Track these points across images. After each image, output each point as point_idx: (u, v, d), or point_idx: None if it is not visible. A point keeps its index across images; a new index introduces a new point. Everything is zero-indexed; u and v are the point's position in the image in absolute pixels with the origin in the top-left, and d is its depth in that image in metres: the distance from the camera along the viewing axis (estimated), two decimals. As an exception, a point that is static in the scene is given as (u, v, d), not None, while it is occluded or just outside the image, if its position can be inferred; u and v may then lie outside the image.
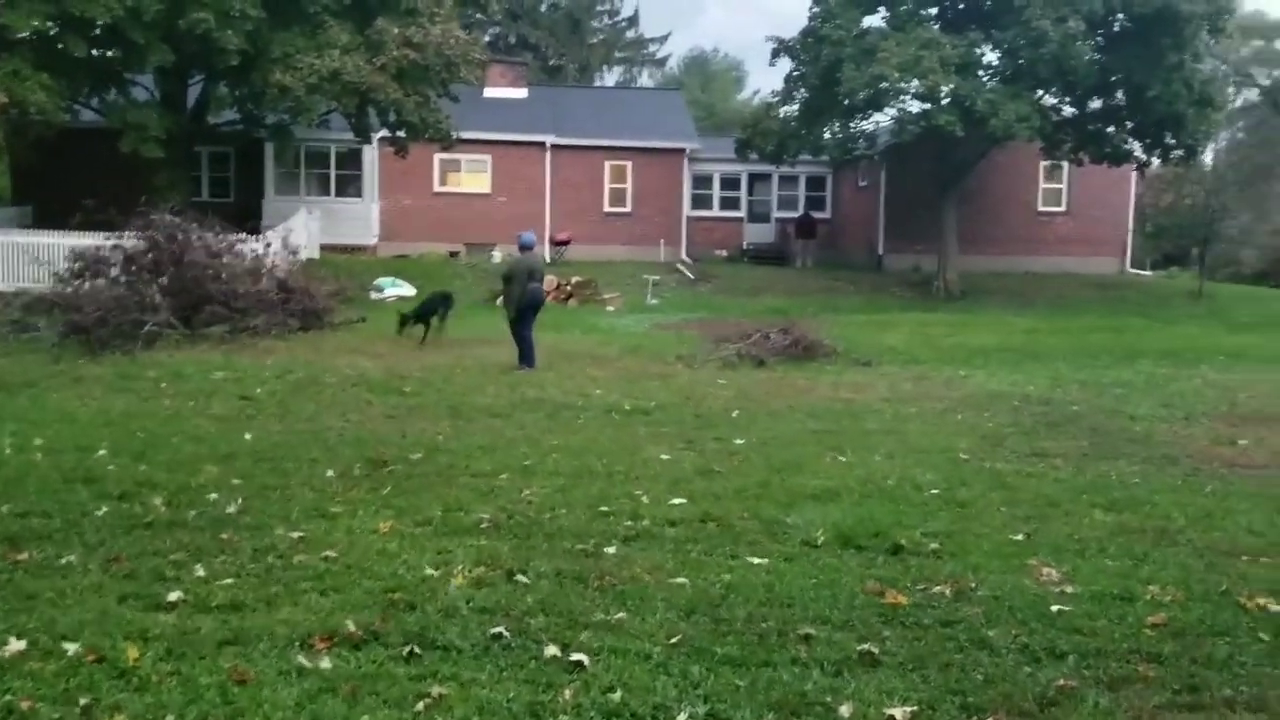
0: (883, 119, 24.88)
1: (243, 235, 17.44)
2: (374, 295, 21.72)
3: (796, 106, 24.63)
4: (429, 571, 4.84)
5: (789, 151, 24.89)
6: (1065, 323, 20.25)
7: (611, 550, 5.31)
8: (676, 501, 6.35)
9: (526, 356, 13.12)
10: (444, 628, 4.18)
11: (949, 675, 3.94)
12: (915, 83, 20.56)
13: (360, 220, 27.99)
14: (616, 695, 3.64)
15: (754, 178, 31.73)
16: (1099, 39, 21.03)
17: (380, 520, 5.70)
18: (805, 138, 24.34)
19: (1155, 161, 24.69)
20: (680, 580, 4.85)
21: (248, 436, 8.04)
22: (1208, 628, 4.50)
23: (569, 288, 22.47)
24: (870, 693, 3.75)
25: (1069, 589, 4.94)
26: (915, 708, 3.64)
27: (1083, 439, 9.50)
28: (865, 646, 4.13)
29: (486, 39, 41.00)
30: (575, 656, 3.93)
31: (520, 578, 4.81)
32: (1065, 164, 27.06)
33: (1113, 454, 8.81)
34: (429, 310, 15.69)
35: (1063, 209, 29.40)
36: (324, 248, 25.61)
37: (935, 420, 10.36)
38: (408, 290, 22.11)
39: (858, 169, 29.47)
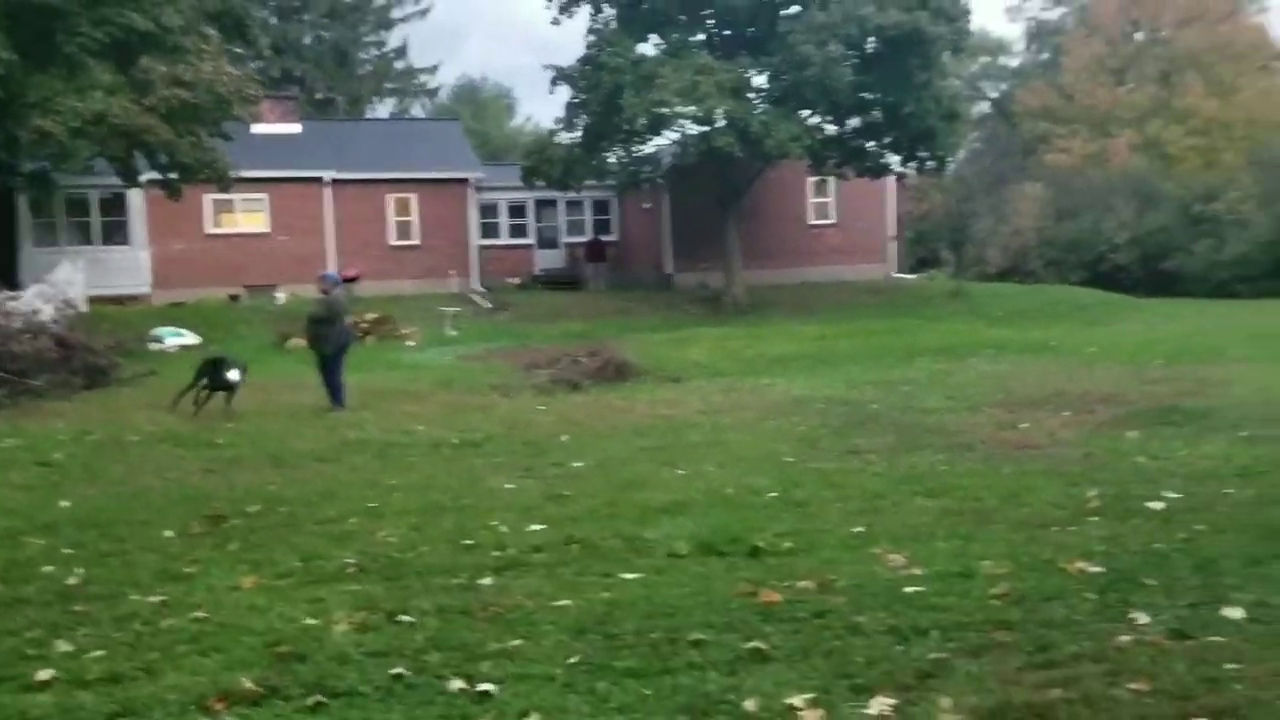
0: (663, 142, 25.73)
1: (10, 292, 16.21)
2: (154, 346, 20.60)
3: (579, 133, 25.12)
4: (308, 621, 4.76)
5: (575, 177, 25.37)
6: (847, 327, 21.52)
7: (487, 581, 5.36)
8: (535, 528, 6.45)
9: (338, 397, 12.84)
10: (341, 674, 4.13)
11: (833, 661, 4.23)
12: (693, 107, 21.42)
13: (130, 268, 26.51)
14: (533, 719, 3.73)
15: (540, 204, 32.07)
16: (856, 61, 22.50)
17: (239, 576, 5.53)
18: (590, 163, 24.87)
19: (912, 172, 26.53)
20: (563, 602, 4.96)
21: (65, 504, 7.55)
22: (1042, 593, 5.00)
23: (365, 325, 22.03)
24: (768, 686, 3.98)
25: (916, 571, 5.37)
26: (811, 694, 3.89)
27: (888, 434, 10.21)
28: (753, 644, 4.37)
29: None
30: (481, 687, 3.98)
31: (404, 618, 4.80)
32: (831, 178, 28.72)
33: (917, 446, 9.52)
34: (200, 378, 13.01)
35: (832, 221, 31.21)
36: (93, 299, 24.06)
37: (752, 428, 10.88)
38: (191, 339, 21.11)
39: (641, 192, 30.28)
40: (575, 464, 8.83)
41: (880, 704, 3.81)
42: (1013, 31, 77.86)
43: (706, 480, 7.98)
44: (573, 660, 4.25)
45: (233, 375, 12.60)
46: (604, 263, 30.62)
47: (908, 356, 16.72)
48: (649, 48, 24.16)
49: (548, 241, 32.51)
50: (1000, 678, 4.05)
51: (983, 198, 28.69)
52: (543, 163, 25.33)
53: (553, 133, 26.09)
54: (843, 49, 21.45)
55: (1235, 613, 4.69)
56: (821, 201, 30.88)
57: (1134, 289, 37.28)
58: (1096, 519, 6.53)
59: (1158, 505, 6.84)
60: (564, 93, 24.99)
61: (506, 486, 7.92)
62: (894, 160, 26.01)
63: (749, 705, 3.82)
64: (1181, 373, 14.55)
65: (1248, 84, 58.15)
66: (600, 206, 32.63)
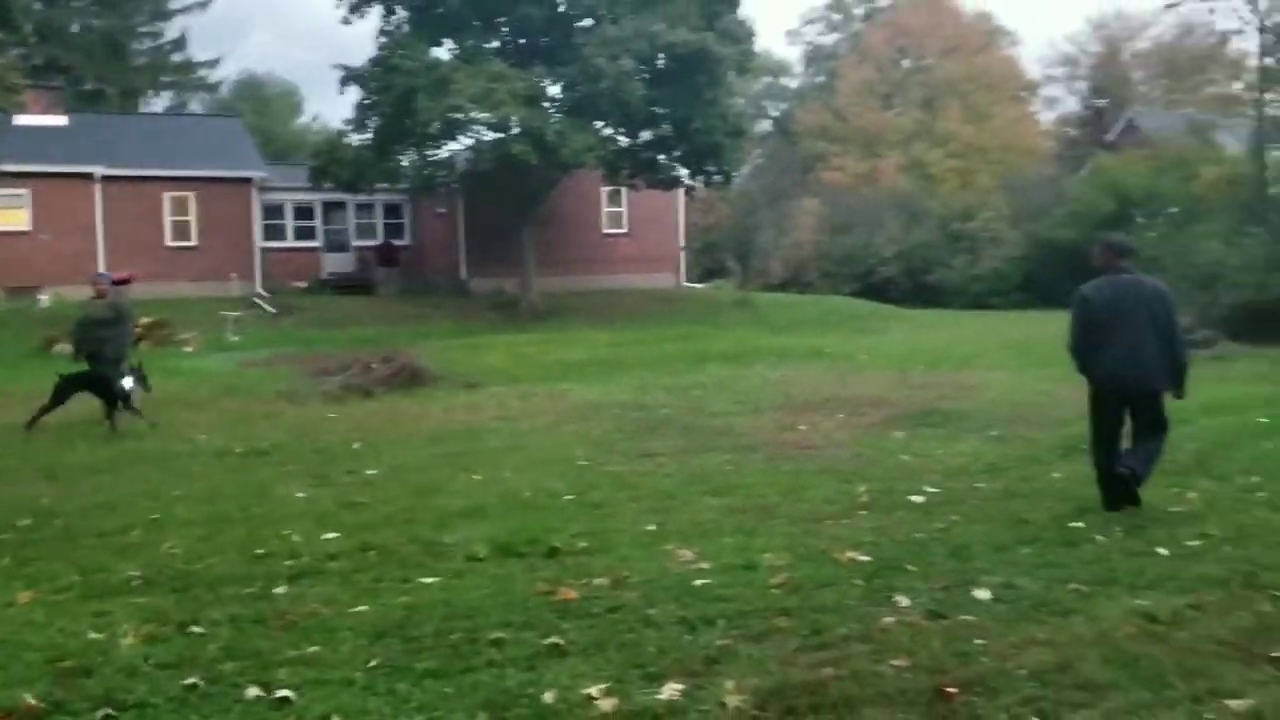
0: (458, 147, 25.59)
1: None
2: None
3: (370, 135, 24.66)
4: (93, 635, 4.60)
5: (366, 180, 24.87)
6: (640, 335, 22.04)
7: (281, 590, 5.31)
8: (330, 536, 6.40)
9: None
10: (130, 687, 4.04)
11: (627, 652, 4.46)
12: (488, 114, 21.44)
13: None
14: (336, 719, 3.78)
15: (329, 206, 31.21)
16: (648, 76, 23.09)
17: (14, 591, 5.26)
18: (381, 166, 24.46)
19: (700, 185, 27.41)
20: (361, 608, 4.98)
21: None
22: (816, 581, 5.41)
23: (139, 330, 20.82)
24: (565, 679, 4.17)
25: (704, 565, 5.68)
26: (606, 684, 4.10)
27: (679, 438, 10.60)
28: (551, 640, 4.55)
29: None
30: (280, 694, 3.98)
31: (195, 629, 4.71)
32: (624, 189, 29.31)
33: (706, 448, 9.94)
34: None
35: (624, 230, 31.87)
36: None
37: (549, 433, 11.06)
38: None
39: (435, 196, 29.96)
40: (370, 471, 8.76)
41: (670, 689, 4.06)
42: (792, 54, 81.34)
43: (504, 484, 8.10)
44: (372, 664, 4.31)
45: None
46: (396, 267, 30.11)
47: (697, 362, 17.32)
48: (443, 52, 24.04)
49: (336, 245, 31.65)
50: (779, 660, 4.38)
51: (766, 212, 29.99)
52: (332, 163, 24.70)
53: (342, 133, 25.49)
54: (635, 64, 21.97)
55: (983, 594, 5.22)
56: (615, 211, 31.49)
57: (901, 300, 39.75)
58: (865, 512, 7.07)
59: (919, 499, 7.47)
60: (354, 93, 24.55)
61: (298, 495, 7.79)
62: (683, 173, 26.81)
63: (548, 698, 3.99)
64: (941, 378, 15.70)
65: (1000, 112, 63.09)
66: (392, 210, 32.06)
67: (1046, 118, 70.74)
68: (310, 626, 4.74)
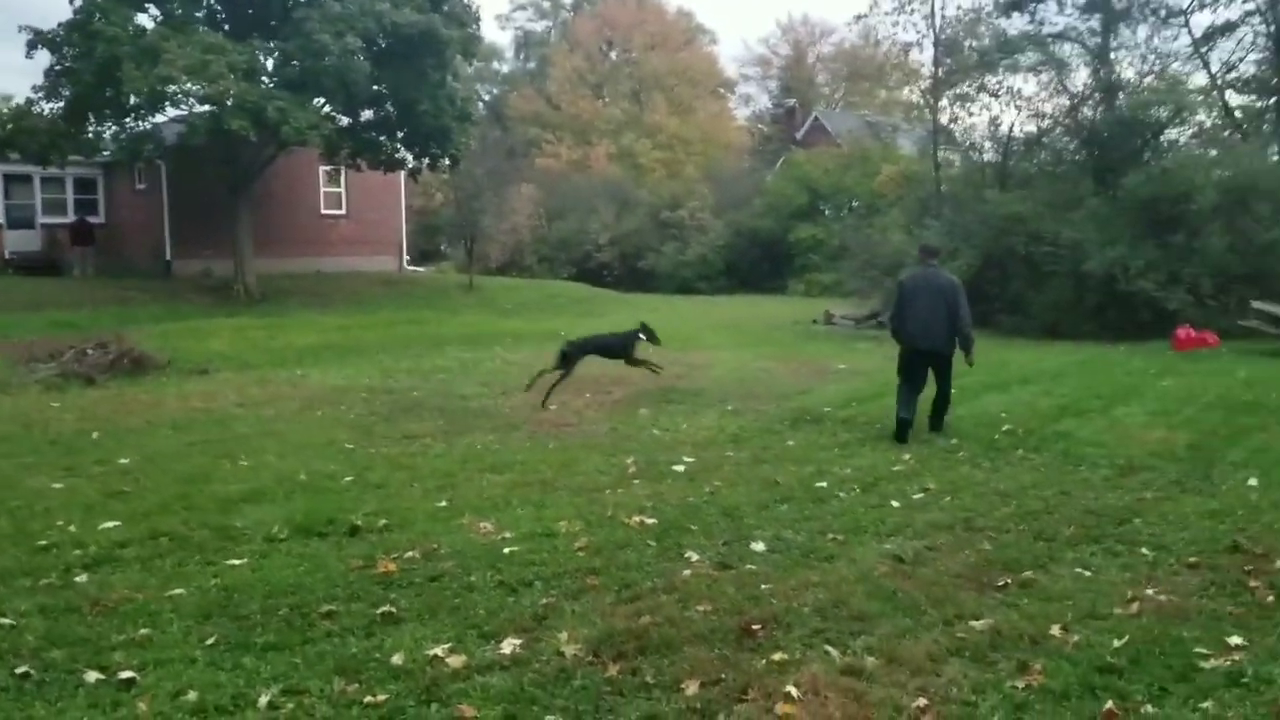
0: (163, 119, 23.98)
1: None
2: None
3: (63, 104, 22.65)
4: (-113, 637, 4.32)
5: (59, 152, 22.83)
6: (369, 318, 21.71)
7: (83, 579, 5.14)
8: (109, 525, 6.17)
9: None
10: (-43, 682, 3.89)
11: (459, 615, 4.74)
12: (203, 87, 20.31)
13: None
14: (191, 696, 3.82)
15: (11, 179, 28.27)
16: (374, 55, 22.63)
17: None
18: (78, 137, 22.55)
19: (425, 168, 27.17)
20: (177, 591, 4.94)
21: None
22: (614, 544, 5.87)
23: None
24: (408, 642, 4.39)
25: (506, 535, 6.01)
26: (449, 644, 4.37)
27: (438, 419, 10.75)
28: (383, 609, 4.74)
29: None
30: (123, 675, 3.97)
31: (3, 620, 4.52)
32: (343, 169, 28.56)
33: (468, 428, 10.18)
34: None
35: (343, 212, 31.04)
36: None
37: (300, 418, 10.88)
38: None
39: (134, 171, 27.87)
40: (122, 461, 8.36)
41: (510, 644, 4.39)
42: (503, 39, 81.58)
43: (274, 469, 8.01)
44: (209, 642, 4.35)
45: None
46: (92, 246, 27.75)
47: (435, 346, 17.38)
48: (146, 18, 22.42)
49: (21, 222, 28.65)
50: (600, 613, 4.80)
51: (488, 196, 30.16)
52: (19, 134, 22.44)
53: (31, 101, 23.20)
54: (360, 42, 21.49)
55: (759, 546, 5.89)
56: (334, 192, 30.58)
57: (616, 284, 41.19)
58: (638, 481, 7.63)
59: (680, 468, 8.12)
60: (44, 58, 22.37)
61: (54, 486, 7.36)
62: (407, 155, 26.48)
63: (396, 660, 4.21)
64: (670, 358, 16.57)
65: (702, 106, 66.43)
66: (85, 185, 29.43)
67: (743, 114, 75.16)
68: (129, 611, 4.66)
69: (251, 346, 16.75)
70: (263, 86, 21.47)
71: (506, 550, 5.67)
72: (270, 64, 22.66)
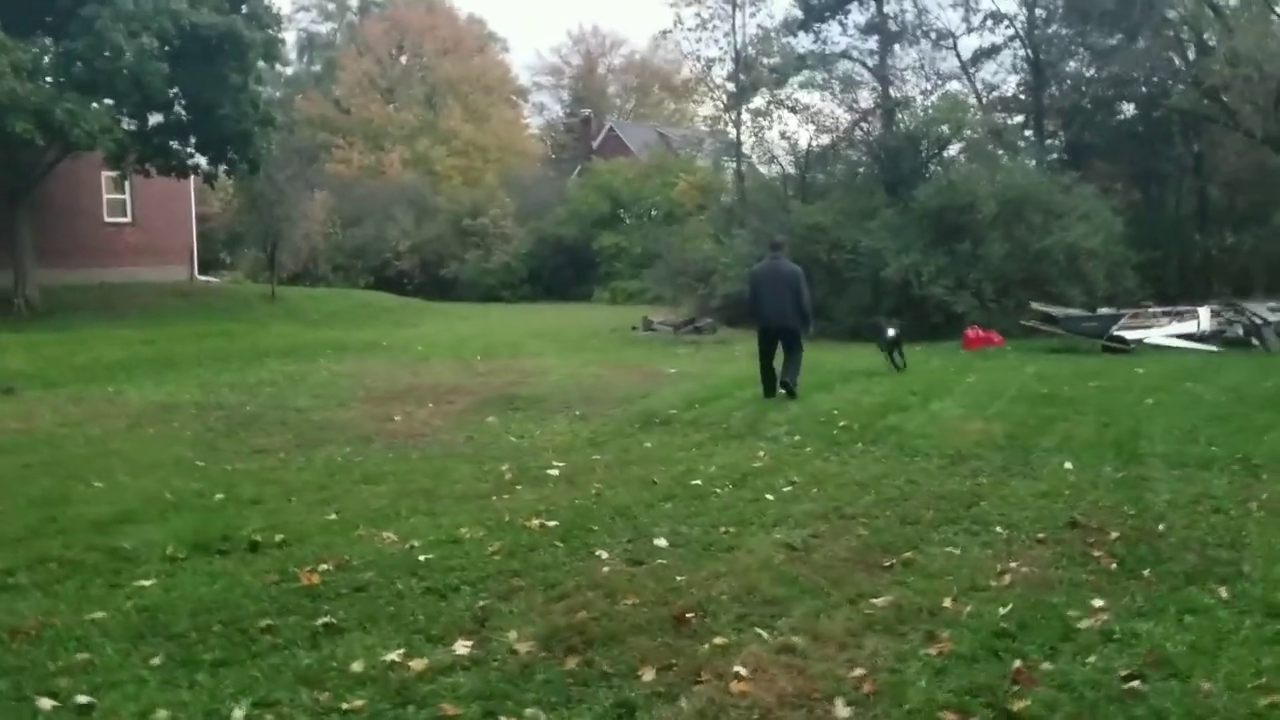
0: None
1: None
2: None
3: None
4: None
5: None
6: (172, 331, 20.69)
7: None
8: (-21, 553, 5.82)
9: None
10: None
11: (399, 623, 4.79)
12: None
13: None
14: (161, 715, 3.76)
15: None
16: (170, 56, 21.52)
17: None
18: None
19: (222, 174, 26.07)
20: (97, 614, 4.76)
21: None
22: (525, 546, 6.02)
23: None
24: (359, 650, 4.43)
25: (414, 544, 6.05)
26: (403, 649, 4.44)
27: (283, 433, 10.51)
28: (323, 620, 4.74)
29: None
30: (79, 700, 3.85)
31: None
32: (129, 175, 26.97)
33: (319, 441, 10.01)
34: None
35: (129, 219, 29.31)
36: None
37: (133, 437, 10.39)
38: None
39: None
40: (-45, 487, 7.80)
41: (461, 645, 4.50)
42: (286, 40, 78.66)
43: (134, 490, 7.68)
44: (155, 662, 4.25)
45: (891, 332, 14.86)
46: None
47: (255, 358, 16.79)
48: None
49: None
50: (537, 612, 4.97)
51: (291, 202, 29.18)
52: None
53: None
54: (157, 43, 20.38)
55: (662, 542, 6.17)
56: (118, 198, 28.78)
57: (417, 293, 40.65)
58: (520, 486, 7.78)
59: (555, 472, 8.32)
60: None
61: (-106, 515, 6.82)
62: (201, 161, 25.32)
63: (356, 667, 4.24)
64: (500, 366, 16.78)
65: (497, 114, 66.34)
66: None
67: (537, 122, 75.57)
68: (54, 638, 4.47)
69: (52, 363, 15.70)
70: (48, 88, 20.04)
71: (421, 558, 5.72)
72: (54, 63, 21.17)
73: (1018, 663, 4.36)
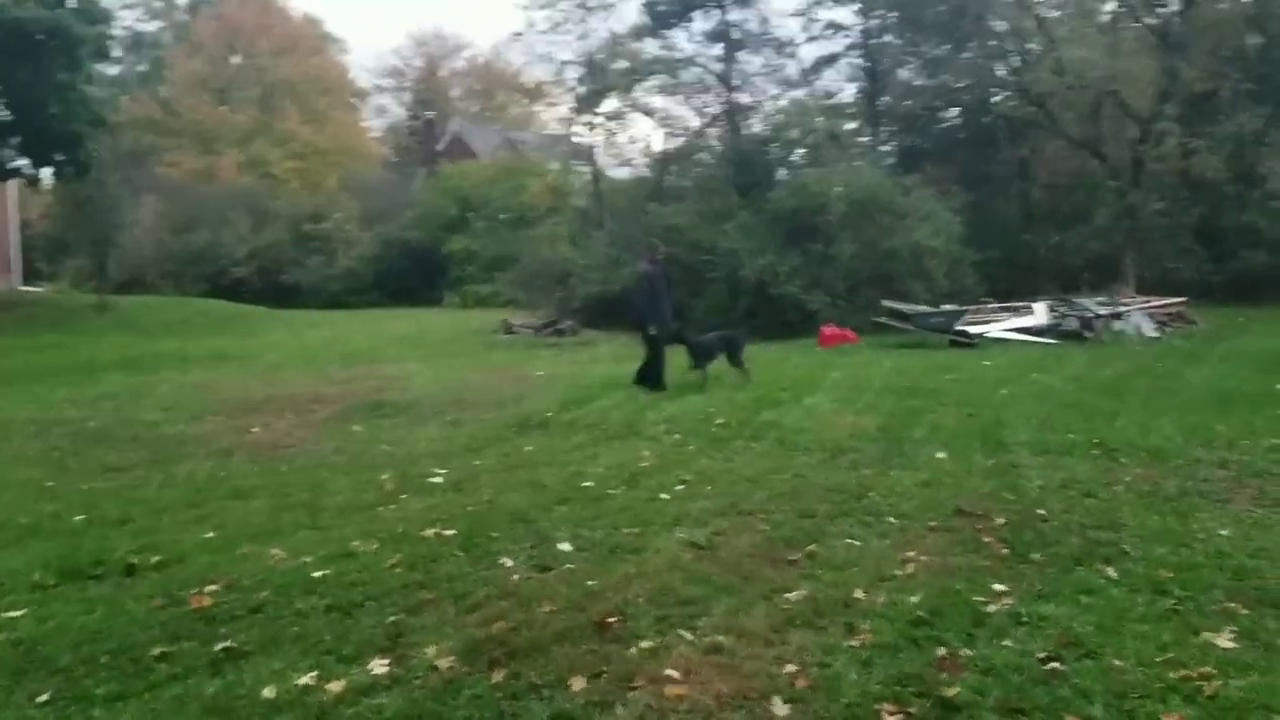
0: None
1: None
2: None
3: None
4: None
5: None
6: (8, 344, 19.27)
7: None
8: None
9: None
10: None
11: (305, 644, 4.51)
12: None
13: None
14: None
15: None
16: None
17: None
18: None
19: (46, 177, 24.48)
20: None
21: None
22: (424, 556, 5.78)
23: None
24: (266, 675, 4.15)
25: (305, 559, 5.73)
26: (315, 672, 4.18)
27: (136, 449, 9.91)
28: (222, 645, 4.43)
29: None
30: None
31: None
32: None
33: (177, 456, 9.48)
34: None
35: (-62, 225, 27.24)
36: None
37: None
38: None
39: None
40: None
41: (377, 664, 4.27)
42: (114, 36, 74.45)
43: (-21, 514, 7.07)
44: (42, 699, 3.88)
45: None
46: None
47: (91, 372, 15.79)
48: None
49: None
50: (451, 625, 4.77)
51: (124, 207, 27.59)
52: None
53: None
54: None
55: (566, 546, 6.03)
56: (-76, 202, 26.75)
57: (256, 300, 39.02)
58: (405, 495, 7.51)
59: (439, 480, 8.07)
60: None
61: None
62: (23, 163, 23.68)
63: (268, 693, 3.98)
64: (360, 372, 16.24)
65: (336, 116, 64.49)
66: None
67: (378, 125, 73.89)
68: (-81, 680, 4.03)
69: None
70: None
71: (316, 574, 5.43)
72: None
73: (941, 650, 4.43)
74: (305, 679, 4.10)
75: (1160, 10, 24.33)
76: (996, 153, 29.09)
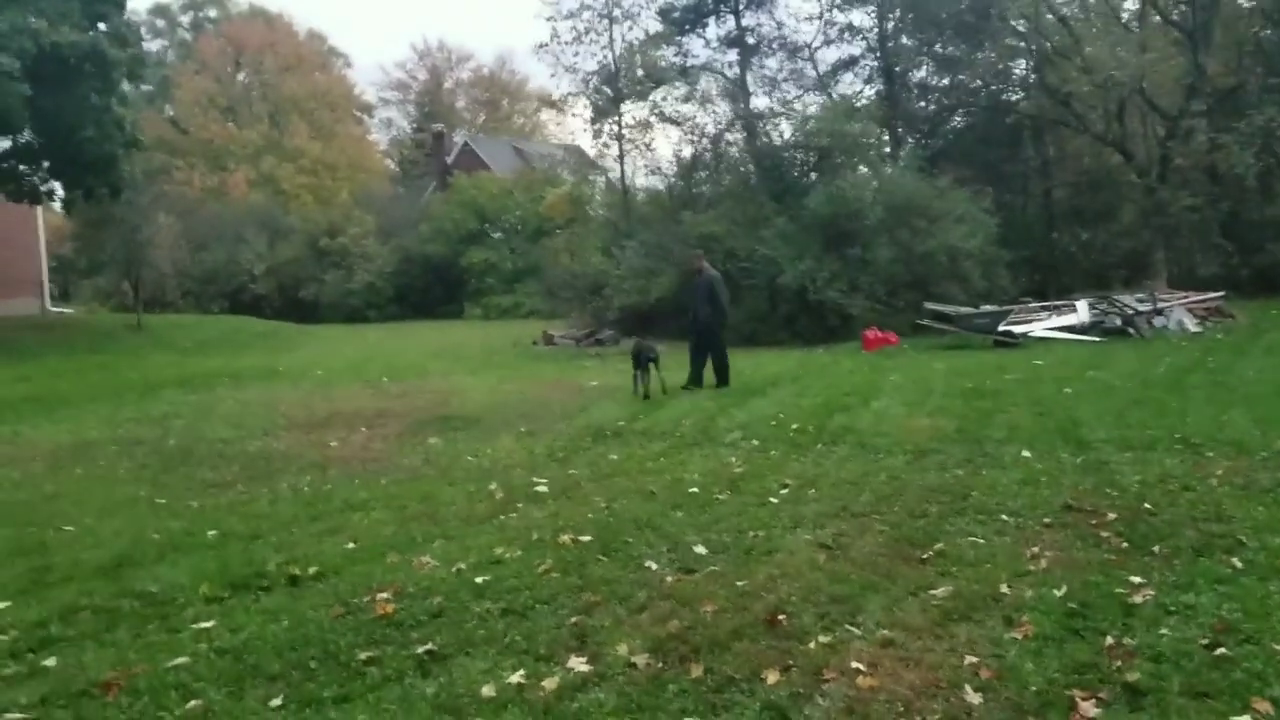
0: None
1: None
2: None
3: None
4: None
5: None
6: (44, 366, 19.52)
7: (51, 663, 4.53)
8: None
9: None
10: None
11: (497, 644, 4.68)
12: None
13: None
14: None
15: None
16: (28, 77, 20.25)
17: None
18: None
19: (79, 199, 24.63)
20: (177, 661, 4.49)
21: None
22: (574, 561, 5.96)
23: None
24: (476, 674, 4.33)
25: (459, 567, 5.89)
26: (521, 671, 4.35)
27: (227, 466, 10.06)
28: (423, 649, 4.61)
29: None
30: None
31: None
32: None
33: (271, 472, 9.64)
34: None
35: (-31, 250, 27.45)
36: None
37: (62, 478, 9.75)
38: None
39: None
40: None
41: (575, 662, 4.46)
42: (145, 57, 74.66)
43: (110, 532, 7.23)
44: (275, 703, 4.06)
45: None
46: None
47: (150, 391, 15.95)
48: None
49: None
50: (628, 625, 4.95)
51: (149, 228, 27.82)
52: None
53: None
54: (16, 63, 19.11)
55: (701, 549, 6.21)
56: (-43, 228, 26.96)
57: (276, 316, 39.27)
58: (522, 504, 7.69)
59: (544, 489, 8.24)
60: None
61: None
62: (54, 185, 23.90)
63: (488, 691, 4.16)
64: (412, 387, 16.41)
65: (344, 130, 64.86)
66: None
67: (384, 138, 74.22)
68: (150, 688, 4.20)
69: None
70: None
71: (478, 580, 5.61)
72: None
73: (1108, 640, 4.60)
74: (515, 678, 4.28)
75: (1182, 7, 24.56)
76: (1017, 152, 29.30)
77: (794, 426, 10.74)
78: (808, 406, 12.08)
